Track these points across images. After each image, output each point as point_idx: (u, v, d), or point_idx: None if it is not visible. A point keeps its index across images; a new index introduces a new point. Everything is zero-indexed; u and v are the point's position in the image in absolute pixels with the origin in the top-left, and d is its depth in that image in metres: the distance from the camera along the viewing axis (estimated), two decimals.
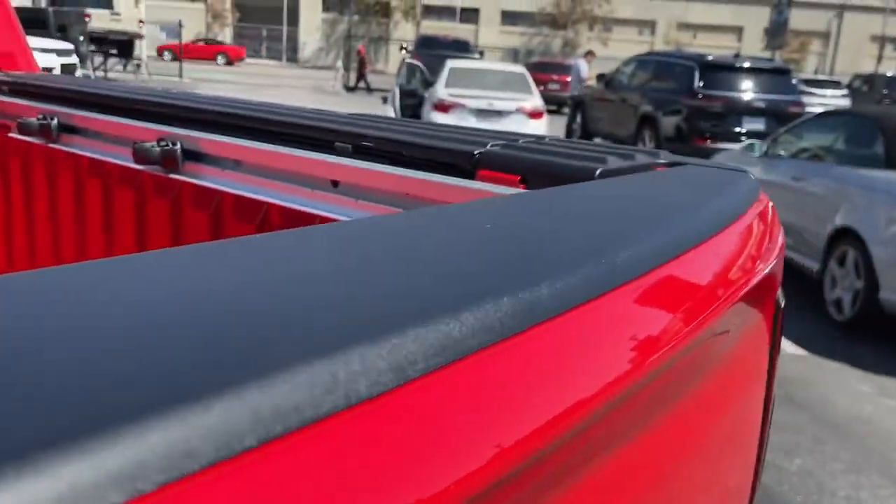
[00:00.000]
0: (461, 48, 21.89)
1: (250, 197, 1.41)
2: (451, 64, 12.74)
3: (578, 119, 15.19)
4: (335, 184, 1.28)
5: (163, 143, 1.54)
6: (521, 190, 1.06)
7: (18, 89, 2.13)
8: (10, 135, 1.96)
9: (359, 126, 1.34)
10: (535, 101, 11.91)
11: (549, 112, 12.87)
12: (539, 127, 11.60)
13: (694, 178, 1.01)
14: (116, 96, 1.81)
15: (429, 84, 12.84)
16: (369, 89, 25.51)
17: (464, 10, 47.38)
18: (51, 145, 1.89)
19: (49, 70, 17.23)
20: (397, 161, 1.23)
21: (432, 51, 20.42)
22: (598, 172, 1.01)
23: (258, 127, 1.47)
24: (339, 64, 27.82)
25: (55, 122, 1.88)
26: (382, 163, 1.24)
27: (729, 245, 0.75)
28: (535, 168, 1.07)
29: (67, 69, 17.98)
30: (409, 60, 14.03)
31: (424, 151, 1.20)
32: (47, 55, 17.26)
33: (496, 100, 11.53)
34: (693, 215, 0.72)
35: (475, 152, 1.14)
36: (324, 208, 1.29)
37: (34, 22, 19.82)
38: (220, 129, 1.53)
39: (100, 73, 23.50)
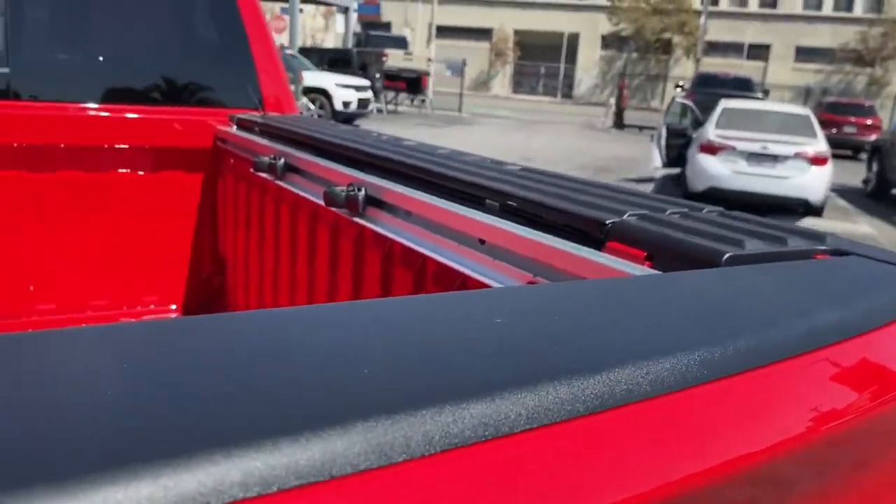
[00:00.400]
0: (742, 86, 20.64)
1: (412, 247, 1.46)
2: (724, 103, 12.07)
3: (875, 167, 13.50)
4: (482, 241, 1.29)
5: (350, 189, 1.66)
6: (643, 269, 0.97)
7: (265, 130, 2.43)
8: (251, 170, 2.25)
9: (508, 183, 1.34)
10: (818, 145, 10.80)
11: (842, 158, 11.58)
12: (822, 174, 10.51)
13: (845, 276, 0.85)
14: (330, 141, 1.99)
15: (699, 124, 12.29)
16: (621, 126, 24.95)
17: (752, 46, 44.69)
18: (277, 182, 2.13)
19: (347, 104, 19.44)
20: (537, 222, 1.21)
21: (710, 89, 19.51)
22: (725, 258, 0.89)
23: (428, 179, 1.52)
24: (612, 101, 27.72)
25: (282, 161, 2.11)
26: (524, 223, 1.22)
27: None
28: (662, 245, 0.98)
29: (363, 103, 20.12)
30: (679, 99, 13.56)
31: (562, 216, 1.16)
32: (347, 90, 19.51)
33: (772, 143, 10.66)
34: (760, 337, 0.61)
35: (607, 222, 1.08)
36: (469, 266, 1.31)
37: (340, 61, 22.54)
38: (400, 179, 1.61)
39: (391, 107, 25.97)
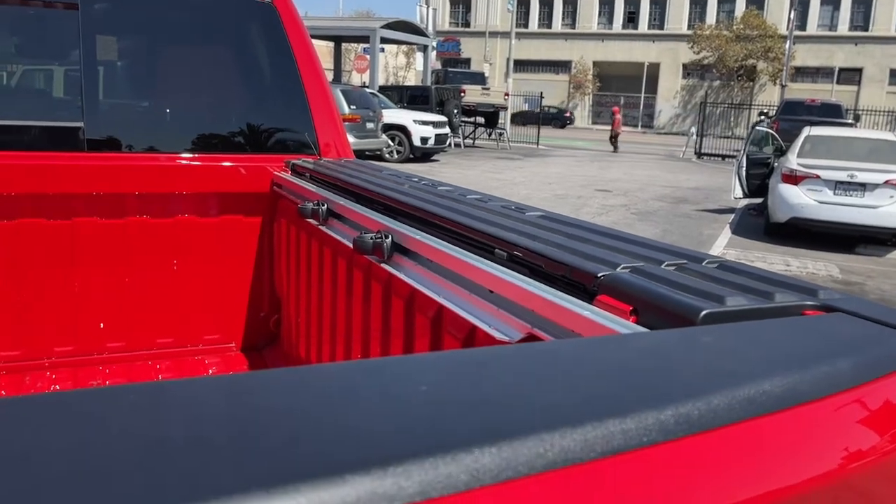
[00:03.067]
0: (830, 113, 19.87)
1: (429, 295, 1.51)
2: (807, 131, 11.66)
3: None
4: (490, 291, 1.32)
5: (377, 236, 1.72)
6: (628, 325, 0.98)
7: (315, 175, 2.54)
8: (299, 208, 2.35)
9: (519, 233, 1.37)
10: None
11: None
12: None
13: (815, 336, 0.84)
14: (367, 188, 2.07)
15: (782, 152, 11.91)
16: (701, 155, 24.58)
17: (843, 69, 43.02)
18: (320, 227, 2.22)
19: (426, 140, 19.79)
20: (538, 273, 1.23)
21: (796, 116, 18.90)
22: (702, 315, 0.90)
23: (448, 227, 1.57)
24: (693, 130, 27.17)
25: (325, 207, 2.21)
26: (527, 273, 1.25)
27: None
28: (647, 301, 0.99)
29: (441, 139, 20.43)
30: (759, 127, 13.18)
31: (560, 267, 1.19)
32: (425, 126, 19.87)
33: (860, 171, 10.21)
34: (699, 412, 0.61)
35: (599, 275, 1.09)
36: (478, 315, 1.34)
37: (419, 98, 23.02)
38: (424, 226, 1.66)
39: (469, 141, 26.25)
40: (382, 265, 1.72)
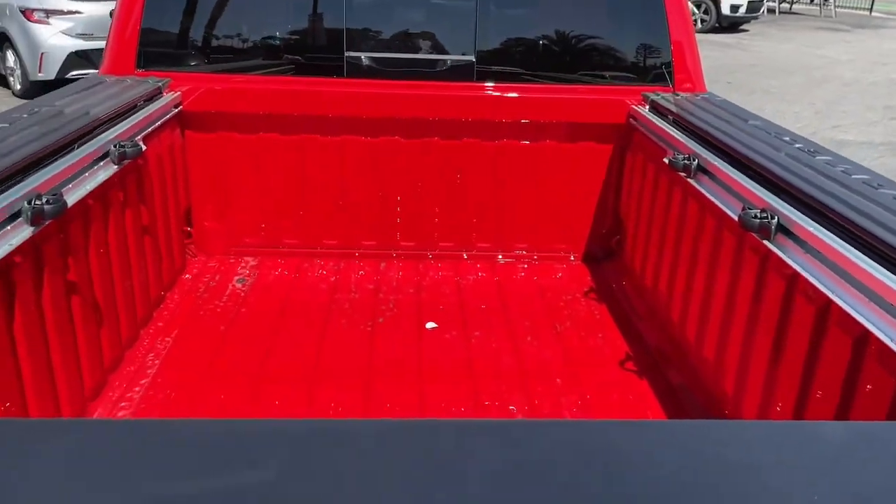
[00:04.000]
0: None
1: (815, 285, 1.69)
2: None
3: None
4: (892, 305, 1.48)
5: (763, 216, 1.92)
6: None
7: (679, 121, 2.72)
8: (665, 163, 2.58)
9: None
10: None
11: None
12: None
13: None
14: (743, 152, 2.22)
15: None
16: None
17: None
18: (689, 180, 2.44)
19: (736, 8, 18.17)
20: None
21: None
22: None
23: (841, 221, 1.71)
24: None
25: (696, 163, 2.42)
26: None
27: None
28: None
29: (753, 6, 18.62)
30: None
31: None
32: None
33: None
34: None
35: None
36: (871, 320, 1.51)
37: None
38: (813, 213, 1.82)
39: (785, 6, 23.50)
40: (765, 242, 1.92)
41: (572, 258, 3.42)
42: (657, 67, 3.15)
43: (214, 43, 3.13)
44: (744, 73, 13.32)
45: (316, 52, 3.15)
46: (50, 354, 1.93)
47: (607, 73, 3.21)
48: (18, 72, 9.51)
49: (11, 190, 1.78)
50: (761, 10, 19.40)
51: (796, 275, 1.79)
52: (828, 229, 1.74)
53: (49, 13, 9.24)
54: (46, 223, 1.85)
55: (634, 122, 3.06)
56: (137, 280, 2.58)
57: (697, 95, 3.06)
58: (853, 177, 1.99)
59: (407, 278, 3.19)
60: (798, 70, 13.93)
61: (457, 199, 3.28)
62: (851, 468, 0.83)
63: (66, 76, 9.24)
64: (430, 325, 2.82)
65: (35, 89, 9.47)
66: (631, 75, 3.21)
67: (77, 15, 9.35)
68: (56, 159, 2.03)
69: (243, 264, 3.24)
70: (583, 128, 3.20)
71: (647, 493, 0.75)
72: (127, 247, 2.47)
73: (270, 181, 3.19)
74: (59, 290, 1.99)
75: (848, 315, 1.57)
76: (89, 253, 2.19)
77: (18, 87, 9.57)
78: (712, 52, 15.48)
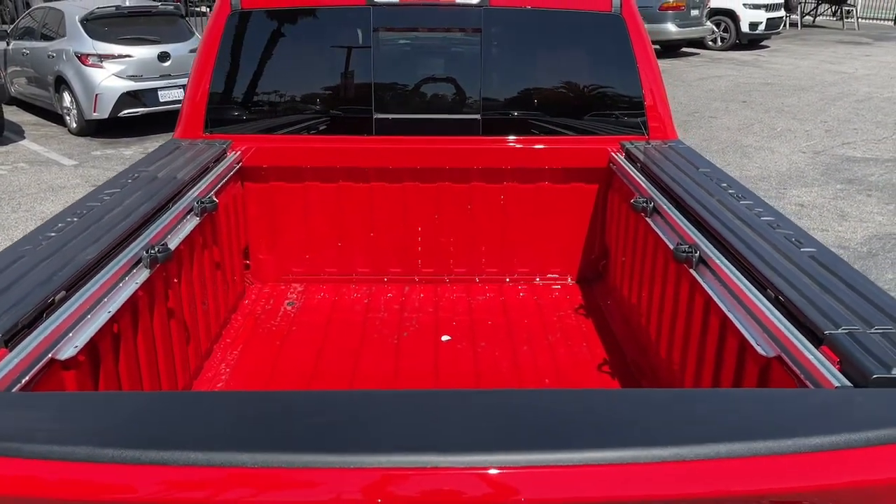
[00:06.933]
0: None
1: (719, 305, 2.30)
2: None
3: None
4: (759, 320, 2.08)
5: (689, 250, 2.52)
6: (833, 374, 1.72)
7: (644, 169, 3.33)
8: (630, 204, 3.20)
9: (781, 277, 2.09)
10: None
11: None
12: None
13: None
14: (682, 197, 2.83)
15: None
16: None
17: None
18: (646, 219, 3.05)
19: (755, 25, 18.60)
20: (792, 315, 1.98)
21: None
22: (872, 378, 1.62)
23: (736, 257, 2.32)
24: None
25: (651, 206, 3.03)
26: (783, 311, 2.00)
27: None
28: (846, 357, 1.72)
29: (773, 24, 19.04)
30: None
31: (802, 315, 1.92)
32: (756, 11, 18.64)
33: None
34: None
35: (826, 332, 1.82)
36: (749, 330, 2.12)
37: None
38: (721, 247, 2.42)
39: (809, 19, 23.80)
40: (690, 271, 2.53)
41: (569, 280, 4.04)
42: (633, 119, 3.77)
43: (266, 108, 3.84)
44: (759, 92, 13.77)
45: (349, 114, 3.84)
46: (158, 363, 2.62)
47: (592, 126, 3.84)
48: (74, 111, 10.43)
49: (133, 244, 2.48)
50: (781, 26, 19.78)
51: (709, 298, 2.39)
52: (729, 261, 2.34)
53: (102, 57, 10.14)
54: (158, 266, 2.54)
55: (613, 168, 3.67)
56: (212, 305, 3.27)
57: (666, 143, 3.67)
58: (762, 218, 2.58)
59: (427, 299, 3.84)
60: (813, 87, 14.32)
61: (468, 232, 3.93)
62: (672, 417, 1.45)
63: (119, 115, 10.15)
64: (444, 337, 3.47)
65: (90, 127, 10.42)
66: (611, 126, 3.83)
67: (128, 58, 10.26)
68: (159, 216, 2.72)
69: (292, 290, 3.93)
70: (573, 172, 3.83)
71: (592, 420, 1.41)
72: (204, 279, 3.16)
73: (313, 221, 3.87)
74: (162, 316, 2.68)
75: (736, 329, 2.17)
76: (182, 287, 2.88)
77: (74, 125, 10.50)
78: (729, 71, 15.98)
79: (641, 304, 3.20)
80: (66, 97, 10.51)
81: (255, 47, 3.77)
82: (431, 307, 3.77)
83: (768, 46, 19.43)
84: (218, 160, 3.45)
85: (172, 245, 2.68)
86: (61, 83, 10.54)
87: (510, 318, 3.66)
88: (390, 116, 3.78)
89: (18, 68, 11.82)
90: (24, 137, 10.65)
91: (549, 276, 4.03)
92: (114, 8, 10.66)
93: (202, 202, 3.02)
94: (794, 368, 1.82)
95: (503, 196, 3.87)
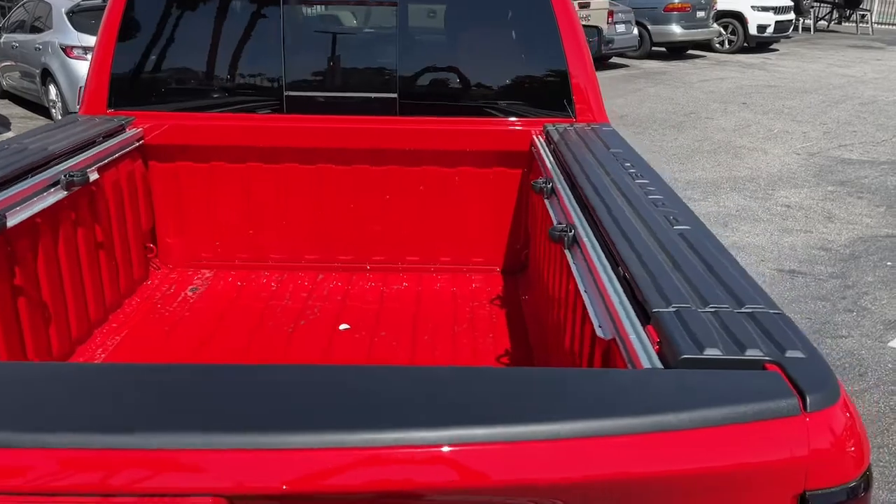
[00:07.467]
0: None
1: (578, 284, 2.08)
2: None
3: None
4: (603, 298, 1.87)
5: (564, 230, 2.30)
6: (650, 355, 1.50)
7: (554, 151, 3.11)
8: (532, 183, 2.98)
9: (635, 252, 1.87)
10: None
11: None
12: None
13: (739, 387, 1.30)
14: (576, 175, 2.61)
15: None
16: None
17: None
18: (545, 200, 2.84)
19: (763, 28, 18.23)
20: (632, 292, 1.76)
21: None
22: (680, 359, 1.40)
23: (601, 232, 2.10)
24: None
25: (550, 186, 2.81)
26: (627, 289, 1.78)
27: None
28: (666, 337, 1.50)
29: (781, 27, 18.65)
30: None
31: (640, 293, 1.70)
32: (765, 13, 18.27)
33: None
34: None
35: (654, 309, 1.60)
36: (597, 313, 1.90)
37: None
38: (594, 226, 2.20)
39: (823, 24, 23.37)
40: (564, 250, 2.31)
41: (497, 270, 3.82)
42: (559, 101, 3.55)
43: (173, 85, 3.66)
44: (760, 94, 13.45)
45: (259, 91, 3.66)
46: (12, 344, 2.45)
47: (516, 107, 3.62)
48: (60, 104, 10.37)
49: None
50: (791, 30, 19.39)
51: (571, 277, 2.18)
52: (597, 240, 2.12)
53: (87, 50, 10.06)
54: None
55: (533, 149, 3.46)
56: (94, 287, 3.09)
57: (589, 126, 3.44)
58: (649, 197, 2.35)
59: (339, 288, 3.64)
60: (817, 90, 13.97)
61: (388, 218, 3.73)
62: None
63: None
64: (343, 326, 3.26)
65: None
66: (537, 108, 3.61)
67: None
68: (7, 186, 2.56)
69: (199, 276, 3.75)
70: (495, 155, 3.61)
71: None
72: (79, 259, 2.99)
73: (222, 203, 3.69)
74: (5, 294, 2.50)
75: (586, 309, 1.95)
76: (39, 265, 2.70)
77: (60, 117, 10.44)
78: (733, 73, 15.64)
79: (545, 292, 2.98)
80: (52, 90, 10.46)
81: (160, 21, 3.59)
82: (341, 296, 3.57)
83: (777, 50, 19.05)
84: (110, 136, 3.29)
85: (20, 217, 2.51)
86: (47, 76, 10.49)
87: (420, 309, 3.45)
88: (302, 94, 3.59)
89: (10, 62, 11.82)
90: (9, 130, 10.62)
91: (474, 266, 3.81)
92: (101, 0, 10.62)
93: (70, 175, 2.85)
94: (622, 349, 1.62)
95: (423, 180, 3.66)
